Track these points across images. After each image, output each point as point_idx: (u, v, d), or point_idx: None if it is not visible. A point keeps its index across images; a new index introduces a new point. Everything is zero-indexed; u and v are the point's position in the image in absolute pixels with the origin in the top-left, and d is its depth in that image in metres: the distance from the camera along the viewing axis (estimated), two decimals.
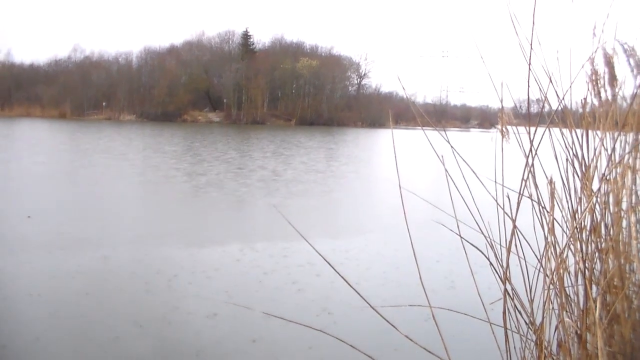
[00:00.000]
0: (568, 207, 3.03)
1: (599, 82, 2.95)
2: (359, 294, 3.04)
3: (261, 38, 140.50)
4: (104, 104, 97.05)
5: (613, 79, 2.93)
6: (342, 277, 2.98)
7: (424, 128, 3.40)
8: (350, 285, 3.07)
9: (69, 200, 17.94)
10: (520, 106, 3.18)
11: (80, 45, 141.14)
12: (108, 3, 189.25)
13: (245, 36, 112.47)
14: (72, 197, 18.75)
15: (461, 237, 3.00)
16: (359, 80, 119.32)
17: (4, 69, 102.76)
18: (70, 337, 7.25)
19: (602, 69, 2.99)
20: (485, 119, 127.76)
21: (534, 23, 2.82)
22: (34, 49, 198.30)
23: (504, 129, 2.86)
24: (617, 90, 3.00)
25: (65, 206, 16.88)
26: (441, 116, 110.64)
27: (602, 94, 3.01)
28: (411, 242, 2.97)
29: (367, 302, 2.93)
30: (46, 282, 9.31)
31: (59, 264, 10.29)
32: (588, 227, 2.96)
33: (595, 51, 2.94)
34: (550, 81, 2.99)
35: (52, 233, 12.69)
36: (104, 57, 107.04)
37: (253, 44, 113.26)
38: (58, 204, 17.22)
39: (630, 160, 3.01)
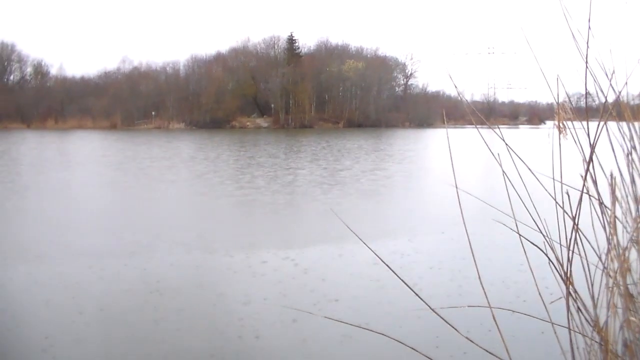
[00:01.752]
0: (630, 204, 2.96)
1: None
2: (419, 296, 3.01)
3: (306, 42, 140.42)
4: (153, 113, 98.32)
5: None
6: (402, 279, 2.95)
7: (476, 126, 3.36)
8: (410, 288, 3.05)
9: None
10: (571, 100, 3.10)
11: (129, 57, 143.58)
12: (154, 14, 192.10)
13: (291, 40, 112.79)
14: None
15: (520, 236, 2.94)
16: (405, 80, 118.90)
17: (57, 83, 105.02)
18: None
19: None
20: (534, 114, 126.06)
21: (590, 12, 2.76)
22: (84, 62, 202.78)
23: (561, 125, 2.80)
24: None
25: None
26: (489, 114, 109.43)
27: None
28: (469, 243, 2.92)
29: (428, 305, 2.89)
30: (135, 280, 9.47)
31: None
32: None
33: None
34: (607, 75, 2.93)
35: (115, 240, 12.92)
36: (152, 67, 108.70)
37: (298, 48, 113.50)
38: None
39: None
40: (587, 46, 2.79)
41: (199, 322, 8.12)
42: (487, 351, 2.85)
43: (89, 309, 8.64)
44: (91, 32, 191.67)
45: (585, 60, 2.80)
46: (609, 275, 2.73)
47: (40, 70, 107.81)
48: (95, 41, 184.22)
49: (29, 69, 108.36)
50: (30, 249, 12.24)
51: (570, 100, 3.06)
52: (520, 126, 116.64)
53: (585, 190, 2.90)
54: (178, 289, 9.61)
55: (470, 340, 2.95)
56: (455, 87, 3.35)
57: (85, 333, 7.78)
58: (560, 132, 2.81)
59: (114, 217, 16.89)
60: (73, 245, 12.65)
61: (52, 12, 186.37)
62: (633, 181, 3.01)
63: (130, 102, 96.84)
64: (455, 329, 2.93)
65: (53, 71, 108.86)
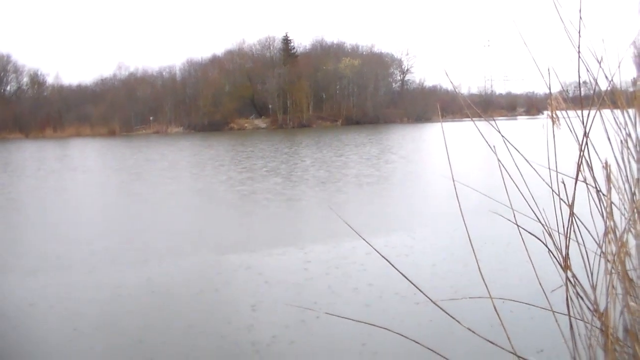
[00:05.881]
0: (625, 189, 2.98)
1: None
2: (419, 289, 3.04)
3: (302, 41, 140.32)
4: (151, 118, 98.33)
5: None
6: (402, 274, 2.97)
7: (473, 119, 3.38)
8: (411, 282, 3.07)
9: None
10: (567, 90, 3.13)
11: (125, 63, 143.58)
12: (149, 19, 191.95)
13: (286, 41, 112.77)
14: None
15: (518, 226, 2.97)
16: (402, 76, 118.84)
17: (54, 92, 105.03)
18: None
19: None
20: (531, 105, 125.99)
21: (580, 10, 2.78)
22: (81, 69, 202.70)
23: (554, 114, 2.82)
24: None
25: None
26: (487, 106, 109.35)
27: None
28: (468, 234, 2.95)
29: (428, 297, 2.92)
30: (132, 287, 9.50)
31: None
32: None
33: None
34: (599, 63, 2.95)
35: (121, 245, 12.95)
36: (148, 73, 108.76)
37: (294, 48, 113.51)
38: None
39: None
40: (579, 35, 2.81)
41: (205, 325, 8.15)
42: (489, 341, 2.87)
43: (91, 315, 8.68)
44: (86, 39, 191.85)
45: (577, 48, 2.82)
46: (608, 261, 2.75)
47: (36, 80, 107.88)
48: (90, 48, 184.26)
49: (25, 79, 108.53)
50: (27, 258, 12.28)
51: (566, 90, 3.09)
52: (519, 117, 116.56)
53: (582, 179, 2.93)
54: (181, 291, 9.64)
55: (472, 331, 2.97)
56: (451, 82, 3.37)
57: (90, 339, 7.82)
58: (553, 123, 2.84)
59: (123, 222, 16.93)
60: (71, 253, 12.68)
61: (46, 21, 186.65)
62: (629, 167, 3.04)
63: (127, 108, 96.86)
64: (457, 321, 2.96)
65: (49, 80, 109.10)
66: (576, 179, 2.80)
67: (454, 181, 2.87)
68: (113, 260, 11.75)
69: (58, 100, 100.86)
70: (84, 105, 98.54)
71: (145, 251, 12.51)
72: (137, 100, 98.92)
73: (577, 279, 2.87)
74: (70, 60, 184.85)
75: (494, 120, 3.22)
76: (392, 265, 3.17)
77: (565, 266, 2.72)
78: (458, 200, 3.01)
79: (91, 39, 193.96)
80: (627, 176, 2.99)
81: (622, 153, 3.02)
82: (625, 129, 3.05)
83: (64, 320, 8.59)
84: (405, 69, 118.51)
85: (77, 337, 7.90)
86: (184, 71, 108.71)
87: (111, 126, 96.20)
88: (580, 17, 2.80)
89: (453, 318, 2.95)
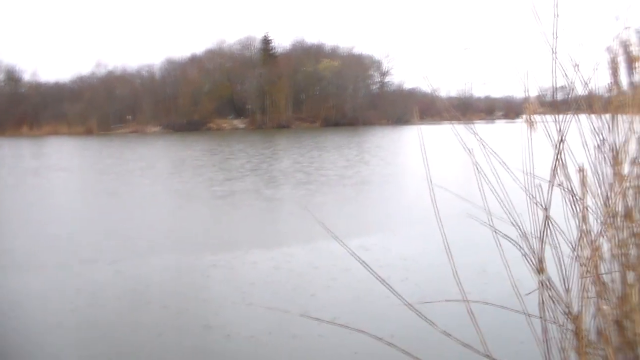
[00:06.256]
0: (600, 194, 3.01)
1: (617, 70, 2.93)
2: (395, 293, 3.05)
3: (281, 42, 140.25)
4: (129, 117, 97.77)
5: (631, 67, 2.90)
6: (377, 277, 2.98)
7: (451, 122, 3.40)
8: (386, 285, 3.08)
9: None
10: (545, 94, 3.16)
11: (103, 61, 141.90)
12: (128, 17, 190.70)
13: (266, 41, 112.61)
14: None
15: (493, 229, 2.99)
16: (381, 78, 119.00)
17: (31, 89, 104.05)
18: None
19: (621, 56, 2.96)
20: (510, 109, 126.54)
21: (556, 14, 2.80)
22: (58, 67, 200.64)
23: (530, 119, 2.85)
24: (635, 77, 2.97)
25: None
26: (465, 109, 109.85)
27: (622, 81, 2.98)
28: (444, 237, 2.96)
29: (403, 300, 2.93)
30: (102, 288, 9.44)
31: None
32: (621, 213, 2.93)
33: (614, 39, 2.91)
34: (575, 68, 2.97)
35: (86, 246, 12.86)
36: (127, 71, 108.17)
37: (274, 48, 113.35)
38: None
39: None
40: (555, 36, 2.83)
41: (178, 322, 8.11)
42: (463, 344, 2.89)
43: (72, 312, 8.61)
44: (65, 36, 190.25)
45: (554, 52, 2.84)
46: (581, 264, 2.78)
47: (13, 77, 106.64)
48: (69, 46, 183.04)
49: (1, 75, 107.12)
50: (5, 257, 12.17)
51: (543, 95, 3.11)
52: (497, 121, 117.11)
53: (559, 183, 2.95)
54: (158, 290, 9.59)
55: (447, 334, 2.99)
56: (430, 85, 3.39)
57: (67, 339, 7.75)
58: (529, 127, 2.86)
59: (96, 223, 16.82)
60: (51, 252, 12.58)
61: (24, 17, 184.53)
62: (603, 172, 3.06)
63: (105, 107, 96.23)
64: (432, 323, 2.97)
65: (26, 77, 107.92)
66: (551, 183, 2.82)
67: (430, 185, 2.88)
68: (87, 259, 11.66)
69: (35, 98, 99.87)
70: (62, 103, 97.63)
71: (118, 250, 12.42)
72: (115, 98, 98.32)
73: (551, 282, 2.89)
74: (48, 57, 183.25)
75: (472, 123, 3.24)
76: (368, 268, 3.17)
77: (540, 269, 2.74)
78: (435, 204, 3.02)
79: (70, 36, 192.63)
80: (601, 181, 3.02)
81: (597, 157, 3.05)
82: (601, 134, 3.08)
83: (34, 318, 8.51)
84: (385, 71, 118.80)
85: (48, 334, 7.83)
86: (163, 70, 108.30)
87: (89, 125, 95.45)
88: (556, 15, 2.82)
89: (428, 321, 2.96)
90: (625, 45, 2.90)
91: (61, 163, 39.98)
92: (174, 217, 17.51)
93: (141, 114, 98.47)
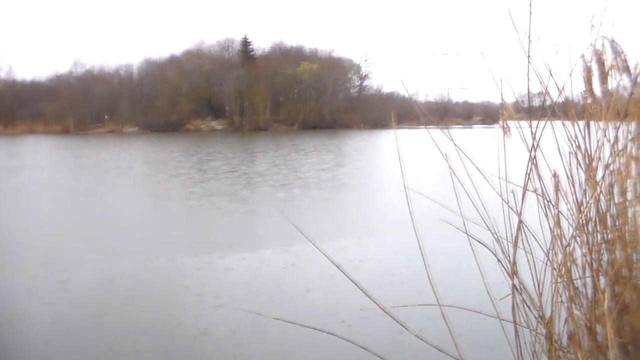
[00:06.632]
0: (573, 200, 3.04)
1: (591, 79, 2.96)
2: (369, 296, 3.05)
3: (261, 44, 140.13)
4: (106, 117, 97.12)
5: (604, 76, 2.94)
6: (351, 280, 2.99)
7: (427, 127, 3.42)
8: (361, 288, 3.08)
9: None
10: (522, 100, 3.19)
11: (81, 60, 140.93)
12: (107, 17, 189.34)
13: (245, 43, 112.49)
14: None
15: (468, 235, 3.01)
16: (360, 81, 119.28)
17: (6, 87, 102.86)
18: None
19: (594, 65, 3.00)
20: (487, 114, 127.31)
21: (530, 14, 2.83)
22: (35, 65, 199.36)
23: (505, 125, 2.87)
24: (608, 86, 3.01)
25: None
26: (444, 114, 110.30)
27: (596, 89, 3.01)
28: (418, 241, 2.98)
29: (377, 304, 2.94)
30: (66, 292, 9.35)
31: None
32: (594, 219, 2.96)
33: (588, 48, 2.95)
34: (550, 74, 3.00)
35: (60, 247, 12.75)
36: (105, 70, 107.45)
37: (253, 50, 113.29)
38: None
39: (634, 150, 3.01)
40: (529, 40, 2.86)
41: (151, 323, 8.07)
42: (436, 348, 2.90)
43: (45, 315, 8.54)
44: (42, 34, 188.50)
45: (527, 57, 2.87)
46: (554, 269, 2.80)
47: None
48: (46, 43, 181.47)
49: None
50: None
51: (521, 101, 3.14)
52: (474, 126, 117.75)
53: (533, 189, 2.98)
54: (129, 292, 9.53)
55: (421, 339, 3.00)
56: (406, 89, 3.41)
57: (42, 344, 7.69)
58: (505, 134, 2.88)
59: (67, 223, 16.69)
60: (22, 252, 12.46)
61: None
62: (577, 178, 3.09)
63: (83, 106, 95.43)
64: (405, 327, 2.98)
65: (1, 75, 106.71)
66: (524, 189, 2.84)
67: (406, 189, 2.90)
68: (60, 260, 11.55)
69: (10, 96, 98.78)
70: (38, 101, 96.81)
71: (93, 252, 12.32)
72: (92, 98, 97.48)
73: (524, 286, 2.92)
74: (24, 55, 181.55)
75: (448, 128, 3.26)
76: (343, 272, 3.18)
77: (512, 273, 2.77)
78: (410, 208, 3.04)
79: (47, 33, 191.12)
80: (574, 186, 3.05)
81: (570, 163, 3.08)
82: (575, 140, 3.11)
83: (8, 320, 8.42)
84: (364, 74, 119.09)
85: (23, 337, 7.76)
86: (142, 70, 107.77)
87: (65, 124, 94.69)
88: (530, 21, 2.84)
89: (402, 325, 2.97)
90: (599, 55, 2.93)
91: (34, 162, 39.62)
92: (147, 219, 17.42)
93: (119, 114, 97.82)
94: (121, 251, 12.32)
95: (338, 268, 3.08)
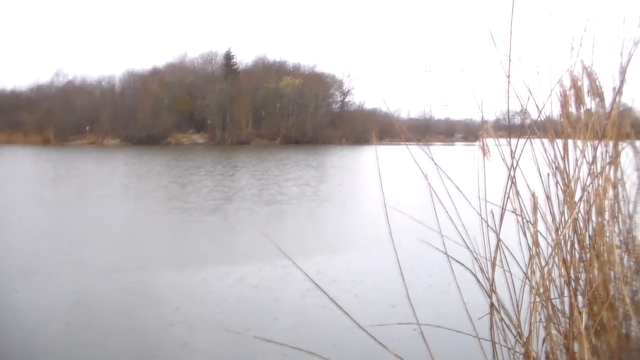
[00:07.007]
0: (552, 220, 3.06)
1: (568, 102, 3.00)
2: (348, 315, 3.05)
3: (244, 58, 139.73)
4: (87, 128, 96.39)
5: (579, 100, 2.98)
6: (331, 298, 2.99)
7: (408, 144, 3.43)
8: (339, 307, 3.08)
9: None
10: (504, 118, 3.21)
11: (63, 70, 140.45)
12: (90, 27, 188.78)
13: (228, 56, 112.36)
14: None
15: (447, 254, 3.02)
16: (342, 97, 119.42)
17: None
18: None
19: (571, 89, 3.03)
20: (469, 132, 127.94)
21: (511, 33, 2.86)
22: (15, 74, 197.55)
23: (485, 145, 2.89)
24: (583, 110, 3.05)
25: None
26: (425, 131, 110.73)
27: (572, 112, 3.05)
28: (397, 261, 2.98)
29: (357, 323, 2.94)
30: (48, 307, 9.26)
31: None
32: (572, 238, 2.99)
33: (567, 71, 2.98)
34: (530, 94, 3.03)
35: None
36: (87, 82, 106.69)
37: (236, 64, 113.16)
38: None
39: (611, 173, 3.04)
40: (509, 59, 2.89)
41: (129, 341, 8.01)
42: None
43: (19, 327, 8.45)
44: (23, 43, 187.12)
45: (507, 77, 2.89)
46: (532, 287, 2.82)
47: None
48: (27, 53, 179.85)
49: None
50: None
51: (503, 119, 3.17)
52: (456, 143, 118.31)
53: (512, 209, 3.00)
54: (107, 308, 9.46)
55: (400, 358, 3.00)
56: (387, 107, 3.43)
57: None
58: (484, 154, 2.90)
59: (45, 236, 16.54)
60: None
61: None
62: (556, 198, 3.12)
63: (63, 117, 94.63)
64: (384, 346, 2.98)
65: None
66: (503, 208, 2.86)
67: (385, 207, 2.90)
68: (35, 273, 11.44)
69: None
70: (18, 111, 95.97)
71: (69, 266, 12.21)
72: (73, 109, 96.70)
73: (503, 305, 2.93)
74: (4, 64, 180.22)
75: (429, 145, 3.28)
76: (323, 291, 3.18)
77: (490, 292, 2.78)
78: (389, 226, 3.04)
79: (29, 42, 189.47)
80: (553, 206, 3.08)
81: (549, 185, 3.11)
82: (555, 161, 3.14)
83: None
84: (346, 90, 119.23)
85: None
86: (124, 82, 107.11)
87: (45, 135, 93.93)
88: (510, 40, 2.87)
89: (380, 343, 2.97)
90: (575, 81, 2.97)
91: (11, 172, 39.30)
92: (126, 233, 17.30)
93: (100, 126, 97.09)
94: (93, 266, 12.20)
95: (317, 286, 3.09)
